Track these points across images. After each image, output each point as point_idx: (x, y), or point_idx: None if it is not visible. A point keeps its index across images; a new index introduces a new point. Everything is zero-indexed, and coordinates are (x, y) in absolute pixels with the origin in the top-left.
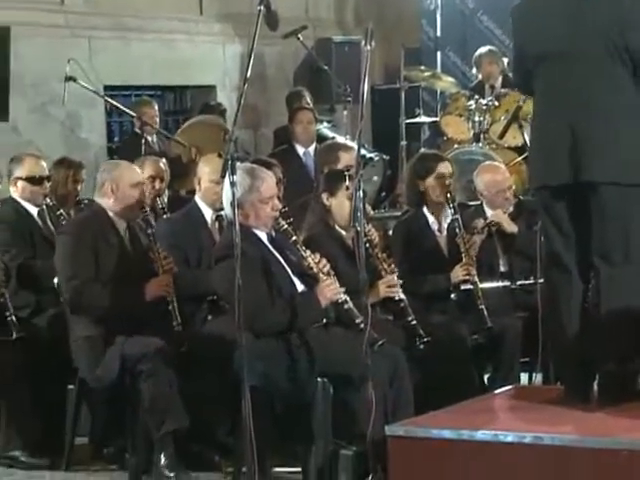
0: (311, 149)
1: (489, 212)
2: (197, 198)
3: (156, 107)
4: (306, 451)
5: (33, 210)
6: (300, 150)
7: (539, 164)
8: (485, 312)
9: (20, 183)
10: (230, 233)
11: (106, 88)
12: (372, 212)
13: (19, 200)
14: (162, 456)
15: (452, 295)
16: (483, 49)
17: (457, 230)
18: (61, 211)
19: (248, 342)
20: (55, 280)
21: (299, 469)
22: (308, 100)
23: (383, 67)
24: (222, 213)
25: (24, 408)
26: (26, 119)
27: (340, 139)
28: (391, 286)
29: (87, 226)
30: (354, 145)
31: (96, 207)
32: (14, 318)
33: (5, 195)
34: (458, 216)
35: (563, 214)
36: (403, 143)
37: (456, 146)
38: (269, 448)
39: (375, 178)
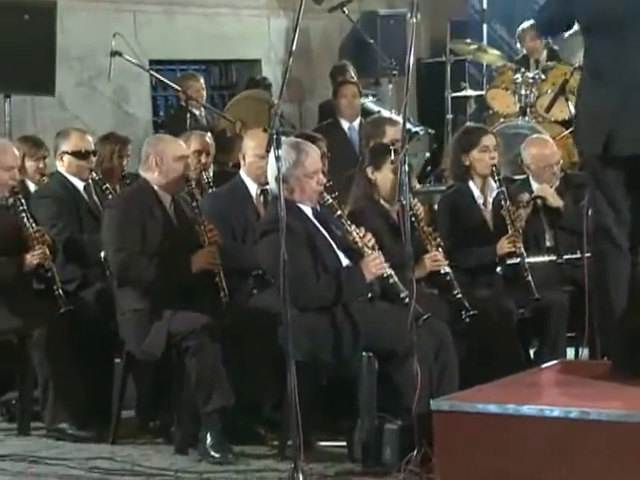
0: (356, 123)
1: (535, 186)
2: (242, 173)
3: (202, 80)
4: (351, 425)
5: (79, 184)
6: (345, 124)
7: (589, 130)
8: (532, 283)
9: (66, 157)
10: (275, 207)
11: (151, 62)
12: (417, 186)
13: (65, 174)
14: (208, 435)
15: (498, 269)
16: (526, 24)
17: (502, 203)
18: (107, 186)
19: (293, 317)
20: (102, 254)
21: (344, 443)
22: (352, 74)
23: (429, 40)
24: (267, 187)
25: (71, 381)
26: (72, 93)
27: (385, 113)
28: (436, 260)
29: (133, 200)
30: (400, 119)
31: (141, 181)
32: (61, 292)
33: (52, 170)
34: (504, 188)
35: (614, 187)
36: (449, 117)
37: (502, 120)
38: (314, 422)
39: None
